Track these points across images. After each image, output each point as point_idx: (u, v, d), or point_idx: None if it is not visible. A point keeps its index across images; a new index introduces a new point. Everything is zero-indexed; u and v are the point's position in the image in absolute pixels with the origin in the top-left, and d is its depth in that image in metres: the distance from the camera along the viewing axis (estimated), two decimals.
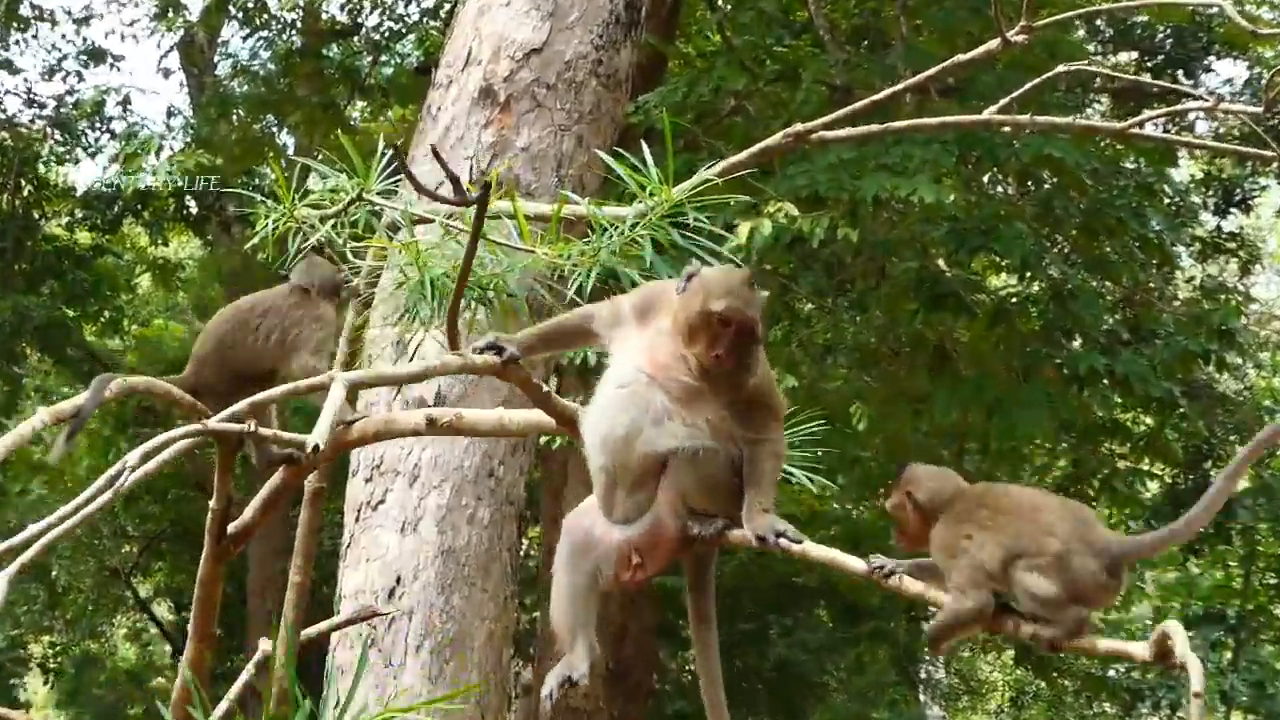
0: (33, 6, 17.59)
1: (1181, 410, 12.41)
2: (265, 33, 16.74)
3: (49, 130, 17.48)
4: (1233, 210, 14.99)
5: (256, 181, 16.28)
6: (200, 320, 19.22)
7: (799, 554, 2.93)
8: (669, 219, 3.17)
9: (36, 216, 17.38)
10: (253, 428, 2.86)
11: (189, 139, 16.89)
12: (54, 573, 19.31)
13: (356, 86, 16.71)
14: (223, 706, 3.32)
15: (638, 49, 7.50)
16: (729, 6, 14.02)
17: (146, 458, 2.67)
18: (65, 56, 17.95)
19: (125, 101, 17.46)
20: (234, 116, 16.76)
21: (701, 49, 14.80)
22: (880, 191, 9.75)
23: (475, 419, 3.49)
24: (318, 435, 2.76)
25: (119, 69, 18.40)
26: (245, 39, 17.20)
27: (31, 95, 17.71)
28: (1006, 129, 5.41)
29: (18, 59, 17.68)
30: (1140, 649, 2.67)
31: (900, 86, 4.17)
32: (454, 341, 3.08)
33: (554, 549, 3.21)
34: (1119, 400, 11.86)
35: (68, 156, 17.74)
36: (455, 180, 2.91)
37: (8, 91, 17.58)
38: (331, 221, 3.33)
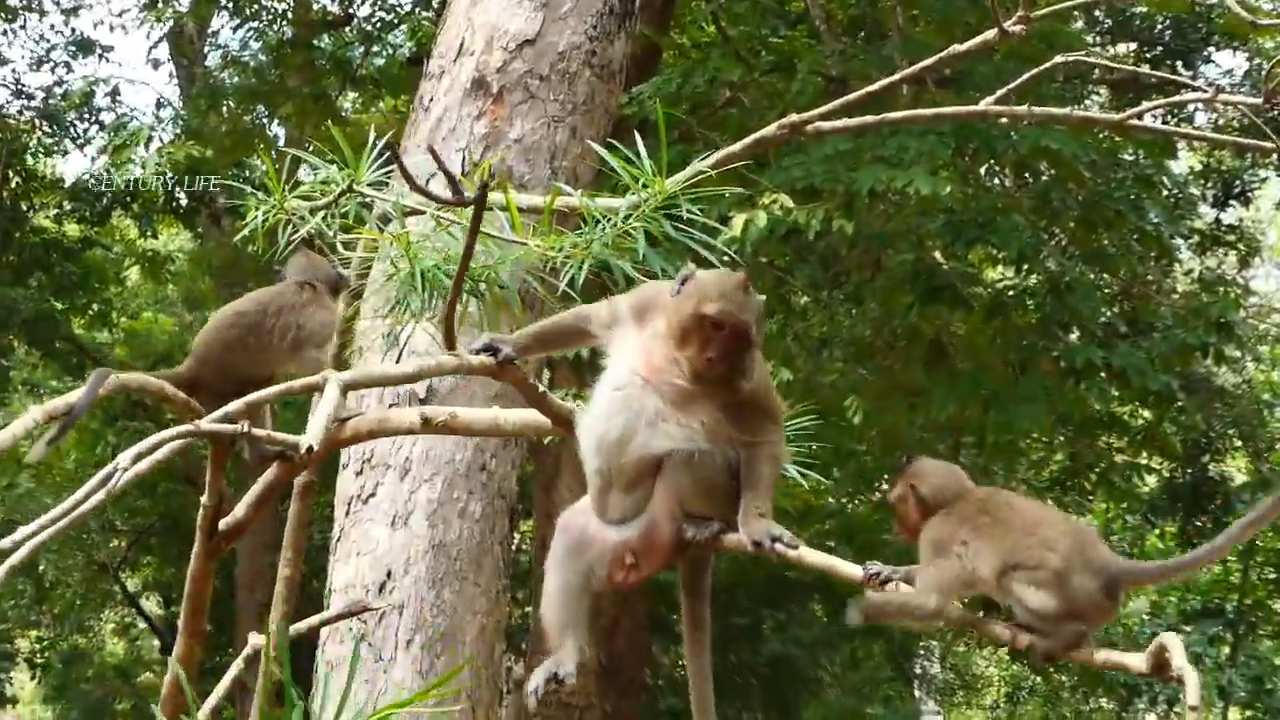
0: None
1: (1180, 404, 12.40)
2: (256, 23, 16.64)
3: (37, 121, 17.39)
4: (1232, 202, 14.98)
5: (247, 173, 16.22)
6: (190, 313, 19.16)
7: (795, 560, 2.93)
8: (663, 211, 3.14)
9: (25, 208, 17.29)
10: (246, 428, 2.81)
11: (179, 130, 16.79)
12: (41, 567, 19.19)
13: (348, 77, 16.64)
14: (211, 701, 3.32)
15: (632, 40, 7.47)
16: None
17: (139, 458, 2.62)
18: (54, 47, 17.84)
19: (114, 93, 17.44)
20: (224, 108, 16.67)
21: (696, 40, 14.76)
22: (876, 183, 9.70)
23: (470, 419, 3.48)
24: (311, 435, 2.75)
25: (108, 60, 18.22)
26: (235, 29, 17.10)
27: (20, 86, 17.62)
28: (1004, 120, 5.34)
29: (6, 50, 17.58)
30: (1138, 660, 2.66)
31: (897, 77, 4.15)
32: (450, 340, 3.05)
33: (546, 543, 3.21)
34: (1116, 393, 11.82)
35: (56, 148, 17.69)
36: (451, 178, 2.89)
37: None
38: (322, 213, 3.30)
